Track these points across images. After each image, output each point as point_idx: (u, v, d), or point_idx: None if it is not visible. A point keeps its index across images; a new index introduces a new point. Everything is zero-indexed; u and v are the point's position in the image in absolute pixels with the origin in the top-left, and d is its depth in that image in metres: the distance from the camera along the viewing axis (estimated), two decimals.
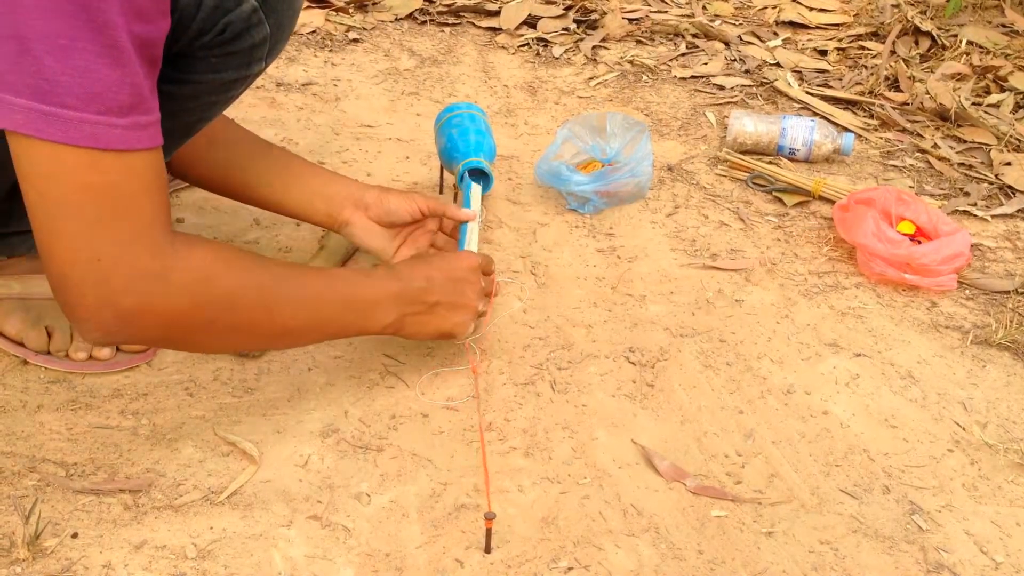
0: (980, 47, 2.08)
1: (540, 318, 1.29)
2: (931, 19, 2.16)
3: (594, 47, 2.09)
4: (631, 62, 2.04)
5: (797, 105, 1.92)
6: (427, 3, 2.21)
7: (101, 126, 0.79)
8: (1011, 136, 1.78)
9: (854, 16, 2.27)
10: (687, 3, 2.32)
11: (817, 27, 2.25)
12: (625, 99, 1.91)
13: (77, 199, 0.82)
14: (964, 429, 1.17)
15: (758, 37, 2.19)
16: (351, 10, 2.15)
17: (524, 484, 1.05)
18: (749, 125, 1.71)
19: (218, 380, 1.15)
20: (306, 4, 2.09)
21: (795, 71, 2.04)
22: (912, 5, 2.23)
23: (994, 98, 1.92)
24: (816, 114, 1.88)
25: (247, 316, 0.95)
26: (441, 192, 1.55)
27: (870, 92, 1.95)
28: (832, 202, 1.56)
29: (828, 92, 1.96)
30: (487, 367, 1.20)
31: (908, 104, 1.91)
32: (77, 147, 0.79)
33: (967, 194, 1.65)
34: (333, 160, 1.61)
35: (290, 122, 1.72)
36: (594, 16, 2.19)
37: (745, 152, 1.71)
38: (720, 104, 1.91)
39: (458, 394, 1.16)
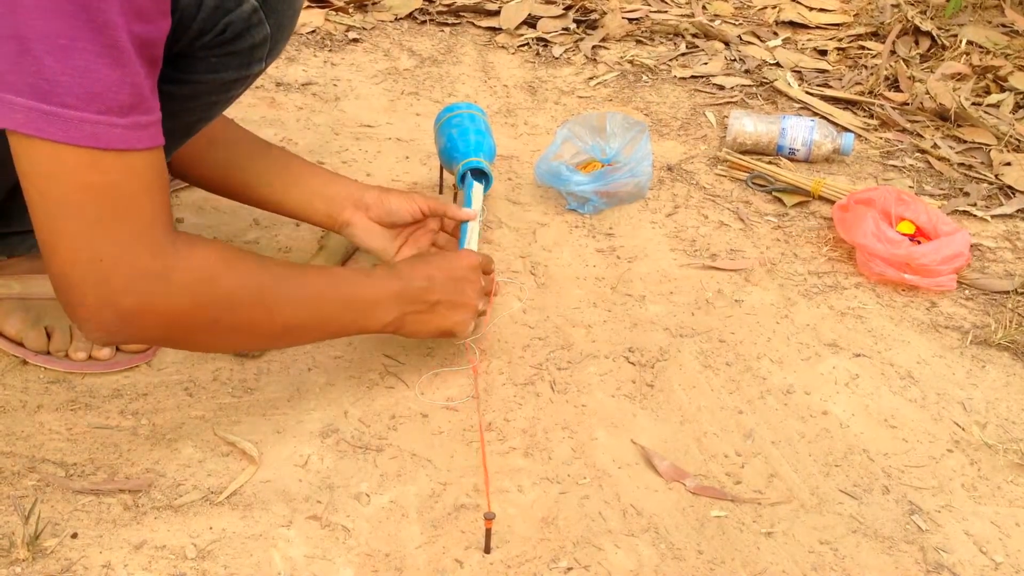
0: (980, 47, 2.08)
1: (540, 318, 1.29)
2: (931, 19, 2.17)
3: (594, 47, 2.09)
4: (631, 62, 2.04)
5: (797, 105, 1.92)
6: (427, 3, 2.21)
7: (102, 126, 0.79)
8: (1011, 136, 1.78)
9: (854, 16, 2.27)
10: (687, 3, 2.32)
11: (817, 27, 2.25)
12: (625, 99, 1.91)
13: (78, 199, 0.82)
14: (964, 429, 1.17)
15: (758, 37, 2.19)
16: (351, 10, 2.15)
17: (524, 484, 1.05)
18: (749, 125, 1.71)
19: (218, 380, 1.15)
20: (306, 4, 2.09)
21: (795, 71, 2.04)
22: (912, 5, 2.23)
23: (994, 98, 1.92)
24: (816, 114, 1.88)
25: (248, 316, 0.95)
26: (441, 192, 1.55)
27: (870, 92, 1.95)
28: (832, 202, 1.56)
29: (828, 92, 1.96)
30: (487, 367, 1.20)
31: (908, 104, 1.91)
32: (78, 147, 0.79)
33: (967, 194, 1.65)
34: (333, 160, 1.61)
35: (290, 122, 1.72)
36: (594, 16, 2.19)
37: (745, 152, 1.71)
38: (720, 104, 1.91)
39: (458, 394, 1.16)
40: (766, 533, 1.01)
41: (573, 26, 2.15)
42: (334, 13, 2.13)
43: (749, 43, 2.16)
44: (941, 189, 1.67)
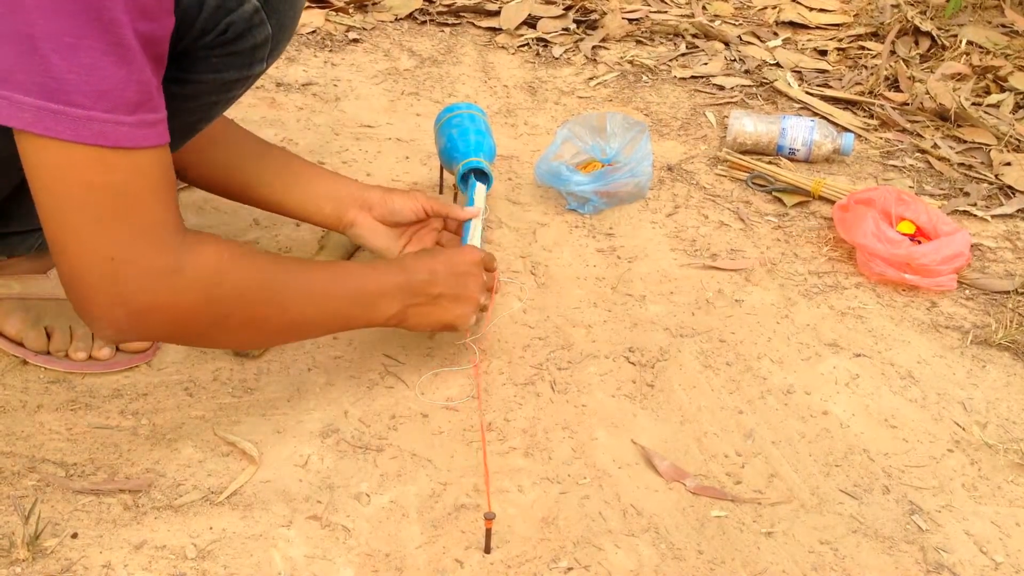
0: (980, 47, 2.08)
1: (540, 318, 1.29)
2: (931, 19, 2.16)
3: (594, 47, 2.09)
4: (631, 62, 2.04)
5: (797, 105, 1.92)
6: (427, 3, 2.21)
7: (109, 124, 0.79)
8: (1011, 136, 1.78)
9: (854, 16, 2.27)
10: (687, 3, 2.32)
11: (817, 27, 2.25)
12: (625, 99, 1.91)
13: (87, 198, 0.82)
14: (964, 429, 1.17)
15: (758, 37, 2.19)
16: (351, 10, 2.15)
17: (524, 484, 1.05)
18: (749, 125, 1.71)
19: (218, 380, 1.15)
20: (306, 4, 2.09)
21: (795, 71, 2.04)
22: (912, 5, 2.23)
23: (994, 98, 1.92)
24: (816, 114, 1.88)
25: (258, 311, 0.96)
26: (441, 192, 1.55)
27: (870, 92, 1.95)
28: (832, 202, 1.56)
29: (828, 92, 1.96)
30: (487, 367, 1.20)
31: (908, 104, 1.91)
32: (86, 145, 0.79)
33: (967, 194, 1.65)
34: (333, 160, 1.61)
35: (290, 122, 1.72)
36: (594, 16, 2.19)
37: (745, 152, 1.71)
38: (720, 104, 1.91)
39: (458, 394, 1.16)
40: (766, 533, 1.01)
41: (573, 26, 2.15)
42: (334, 13, 2.13)
43: (749, 43, 2.16)
44: (941, 189, 1.67)
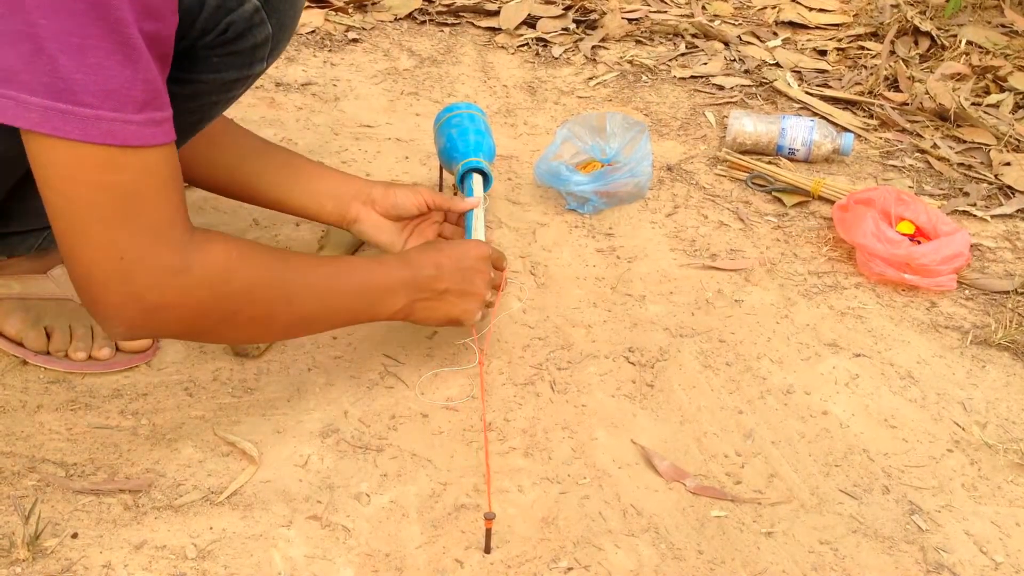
0: (980, 47, 2.08)
1: (540, 318, 1.29)
2: (931, 19, 2.17)
3: (593, 47, 2.09)
4: (631, 62, 2.04)
5: (797, 105, 1.92)
6: (426, 3, 2.21)
7: (117, 123, 0.79)
8: (1011, 136, 1.79)
9: (854, 16, 2.27)
10: (687, 3, 2.32)
11: (817, 27, 2.25)
12: (625, 99, 1.91)
13: (95, 198, 0.82)
14: (964, 429, 1.17)
15: (758, 37, 2.19)
16: (350, 10, 2.15)
17: (524, 484, 1.05)
18: (748, 125, 1.71)
19: (218, 380, 1.15)
20: (306, 4, 2.09)
21: (795, 71, 2.04)
22: (912, 5, 2.23)
23: (994, 98, 1.92)
24: (816, 114, 1.88)
25: (266, 308, 0.96)
26: (441, 192, 1.55)
27: (870, 92, 1.95)
28: (832, 202, 1.56)
29: (828, 92, 1.96)
30: (487, 367, 1.20)
31: (908, 104, 1.91)
32: (94, 144, 0.79)
33: (967, 194, 1.65)
34: (332, 160, 1.61)
35: (289, 122, 1.72)
36: (594, 16, 2.19)
37: (744, 152, 1.71)
38: (720, 104, 1.91)
39: (458, 394, 1.16)
40: (766, 533, 1.01)
41: (573, 26, 2.15)
42: (334, 13, 2.13)
43: (749, 43, 2.16)
44: (941, 189, 1.67)
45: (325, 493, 1.01)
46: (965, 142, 1.80)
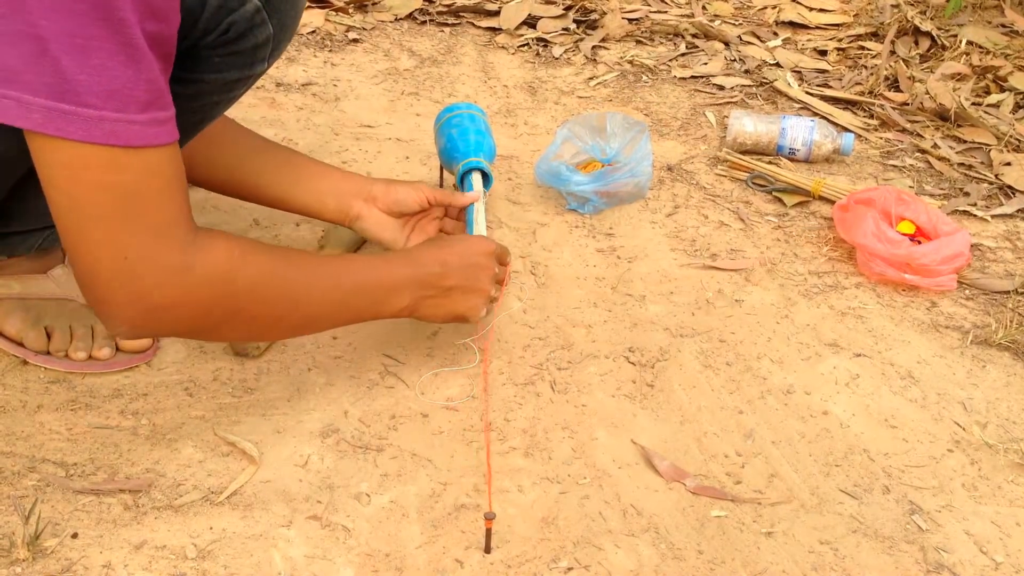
0: (980, 47, 2.08)
1: (540, 318, 1.29)
2: (931, 19, 2.16)
3: (594, 47, 2.09)
4: (631, 62, 2.04)
5: (797, 105, 1.92)
6: (427, 3, 2.21)
7: (121, 123, 0.80)
8: (1011, 136, 1.78)
9: (854, 16, 2.27)
10: (687, 3, 2.32)
11: (817, 27, 2.25)
12: (625, 99, 1.91)
13: (99, 198, 0.82)
14: (964, 429, 1.17)
15: (758, 37, 2.19)
16: (351, 10, 2.15)
17: (524, 484, 1.05)
18: (749, 125, 1.71)
19: (218, 380, 1.15)
20: (306, 4, 2.09)
21: (795, 71, 2.04)
22: (912, 5, 2.23)
23: (994, 98, 1.92)
24: (816, 114, 1.88)
25: (270, 307, 0.97)
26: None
27: (870, 92, 1.95)
28: (832, 202, 1.56)
29: (828, 92, 1.96)
30: (487, 367, 1.20)
31: (908, 104, 1.91)
32: (97, 145, 0.80)
33: (967, 194, 1.65)
34: (333, 160, 1.61)
35: (290, 122, 1.72)
36: (594, 16, 2.19)
37: (745, 152, 1.71)
38: (720, 104, 1.91)
39: (458, 394, 1.16)
40: (766, 533, 1.01)
41: (573, 26, 2.15)
42: (334, 13, 2.13)
43: (749, 43, 2.16)
44: (941, 189, 1.67)
45: (325, 493, 1.01)
46: (965, 142, 1.80)
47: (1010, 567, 1.00)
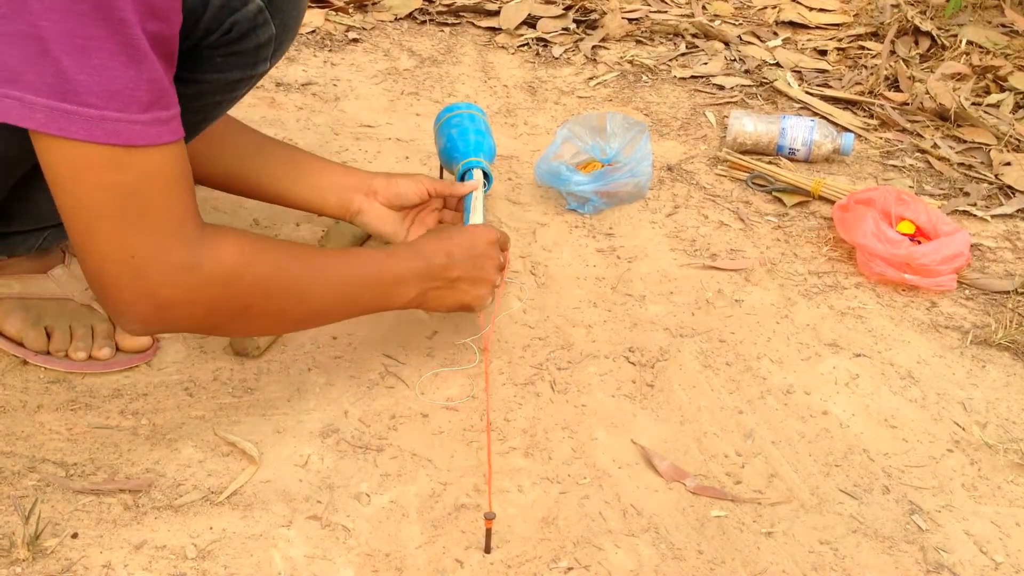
0: (980, 47, 2.08)
1: (540, 318, 1.29)
2: (931, 19, 2.16)
3: (594, 47, 2.09)
4: (631, 62, 2.04)
5: (797, 105, 1.92)
6: (427, 3, 2.21)
7: (123, 123, 0.80)
8: (1011, 136, 1.78)
9: (854, 16, 2.27)
10: (687, 3, 2.32)
11: (817, 27, 2.25)
12: (625, 99, 1.91)
13: (104, 197, 0.83)
14: (964, 429, 1.17)
15: (758, 37, 2.19)
16: (351, 10, 2.15)
17: (524, 484, 1.05)
18: (749, 125, 1.71)
19: (218, 380, 1.15)
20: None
21: (795, 71, 2.04)
22: (912, 5, 2.23)
23: (994, 98, 1.92)
24: (816, 114, 1.88)
25: (278, 302, 0.97)
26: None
27: (870, 92, 1.95)
28: (832, 202, 1.56)
29: (828, 92, 1.96)
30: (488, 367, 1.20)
31: (908, 104, 1.91)
32: (99, 144, 0.80)
33: (967, 194, 1.65)
34: (333, 160, 1.61)
35: (290, 122, 1.72)
36: (594, 16, 2.19)
37: (745, 152, 1.71)
38: (720, 104, 1.91)
39: (458, 394, 1.16)
40: (766, 533, 1.01)
41: (573, 26, 2.15)
42: (334, 13, 2.13)
43: (749, 43, 2.16)
44: (941, 189, 1.67)
45: (325, 493, 1.01)
46: (965, 142, 1.80)
47: (1010, 567, 1.00)
